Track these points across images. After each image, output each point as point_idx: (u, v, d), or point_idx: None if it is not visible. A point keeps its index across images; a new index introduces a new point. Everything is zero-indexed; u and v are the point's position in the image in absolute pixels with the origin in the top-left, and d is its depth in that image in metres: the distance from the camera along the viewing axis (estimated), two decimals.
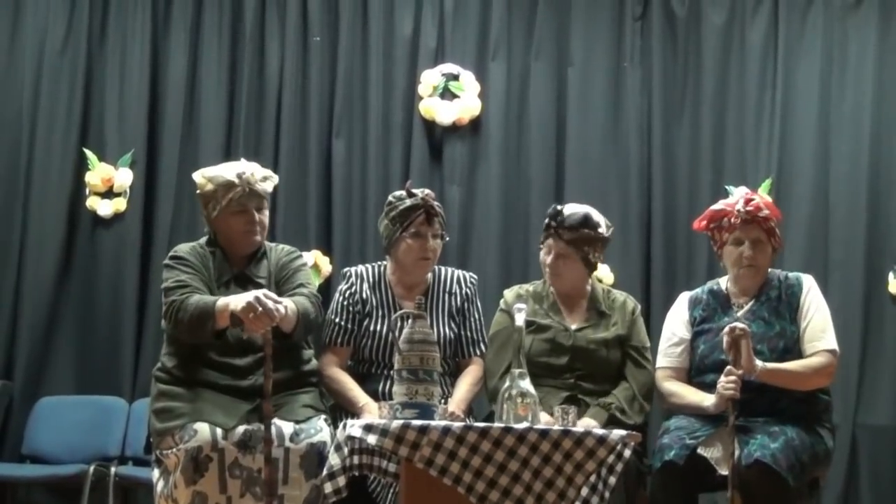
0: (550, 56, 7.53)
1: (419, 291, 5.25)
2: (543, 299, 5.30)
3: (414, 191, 5.20)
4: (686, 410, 5.11)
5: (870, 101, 7.39)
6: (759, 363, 4.83)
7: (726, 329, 4.85)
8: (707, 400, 4.96)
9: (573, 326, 5.22)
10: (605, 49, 7.55)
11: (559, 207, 5.25)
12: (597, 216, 5.24)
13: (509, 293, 5.41)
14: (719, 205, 5.24)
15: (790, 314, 5.08)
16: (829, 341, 5.04)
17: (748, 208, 5.09)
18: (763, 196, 5.23)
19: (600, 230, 5.20)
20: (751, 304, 5.14)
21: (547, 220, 5.22)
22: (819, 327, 5.05)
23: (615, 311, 5.31)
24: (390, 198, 5.26)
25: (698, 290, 5.35)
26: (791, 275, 5.23)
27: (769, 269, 5.21)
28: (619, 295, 5.45)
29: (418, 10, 7.52)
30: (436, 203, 5.20)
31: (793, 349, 5.01)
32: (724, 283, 5.28)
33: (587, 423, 4.88)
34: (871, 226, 7.30)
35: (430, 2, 7.51)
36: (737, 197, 5.21)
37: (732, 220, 5.11)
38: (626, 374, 5.21)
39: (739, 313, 5.10)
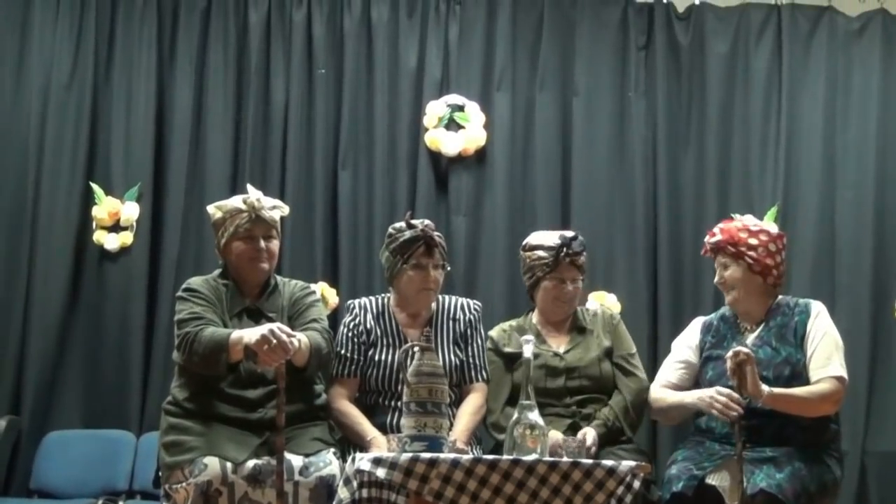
0: (555, 86, 7.54)
1: (423, 320, 5.27)
2: (527, 331, 5.34)
3: (413, 222, 5.23)
4: (670, 414, 5.24)
5: (874, 127, 7.41)
6: (765, 388, 4.82)
7: (730, 353, 4.85)
8: (688, 397, 5.05)
9: (561, 350, 5.33)
10: (609, 79, 7.56)
11: (568, 235, 5.31)
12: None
13: (495, 332, 5.52)
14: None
15: (797, 340, 5.07)
16: (836, 368, 5.01)
17: (706, 239, 5.28)
18: (732, 222, 5.30)
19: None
20: (759, 329, 5.16)
21: (563, 250, 5.29)
22: (825, 354, 5.02)
23: (596, 324, 5.42)
24: (390, 229, 5.30)
25: (712, 316, 5.41)
26: (801, 301, 5.24)
27: (780, 296, 5.22)
28: (597, 309, 5.64)
29: (423, 42, 7.54)
30: (436, 234, 5.24)
31: (799, 376, 5.00)
32: None
33: (587, 432, 4.99)
34: (877, 251, 7.31)
35: (435, 33, 7.53)
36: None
37: (704, 253, 5.34)
38: (618, 384, 5.31)
39: (748, 339, 5.11)
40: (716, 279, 5.25)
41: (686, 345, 5.33)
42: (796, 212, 7.33)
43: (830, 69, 7.50)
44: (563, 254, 5.31)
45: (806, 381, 5.00)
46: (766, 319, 5.17)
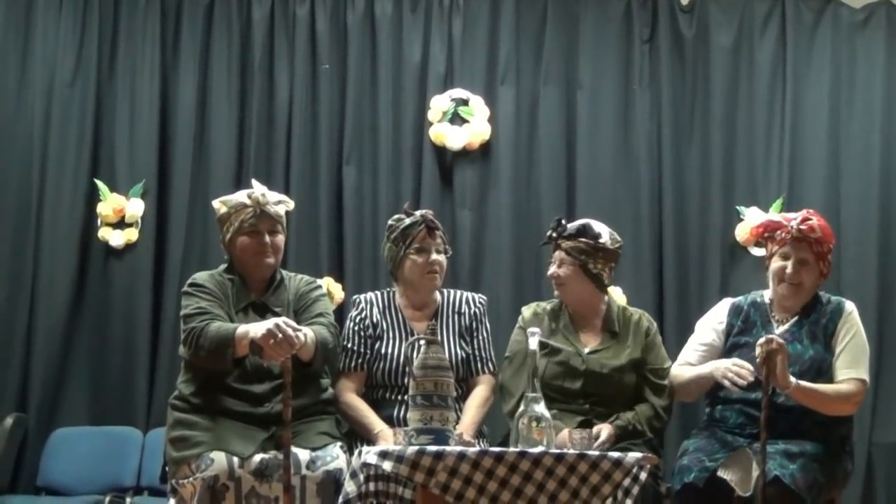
0: (559, 79, 7.54)
1: (429, 313, 5.27)
2: (560, 317, 5.31)
3: (412, 211, 5.24)
4: (688, 389, 5.19)
5: (879, 118, 7.41)
6: (793, 380, 4.80)
7: (762, 340, 4.78)
8: (704, 368, 5.02)
9: (586, 350, 5.22)
10: (613, 72, 7.57)
11: (562, 219, 5.30)
12: (599, 227, 5.29)
13: (527, 310, 5.43)
14: (777, 216, 5.27)
15: (826, 339, 5.04)
16: (861, 371, 4.99)
17: (802, 227, 5.06)
18: (821, 219, 5.14)
19: (601, 240, 5.24)
20: (791, 323, 5.09)
21: (549, 233, 5.27)
22: (852, 356, 5.00)
23: (630, 330, 5.30)
24: (390, 221, 5.32)
25: (742, 299, 5.31)
26: (833, 299, 5.18)
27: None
28: (635, 312, 5.45)
29: (427, 36, 7.54)
30: (435, 220, 5.24)
31: (825, 375, 4.97)
32: (767, 295, 5.24)
33: (602, 427, 4.94)
34: (883, 244, 7.31)
35: (439, 27, 7.54)
36: (798, 214, 5.16)
37: (784, 234, 5.10)
38: (646, 396, 5.21)
39: (778, 331, 5.05)
40: (788, 269, 5.05)
41: (711, 326, 5.25)
42: (801, 204, 7.24)
43: (835, 61, 7.50)
44: (548, 235, 5.31)
45: (830, 380, 4.97)
46: (800, 314, 5.12)
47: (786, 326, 5.10)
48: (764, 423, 4.69)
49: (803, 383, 4.84)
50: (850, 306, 5.15)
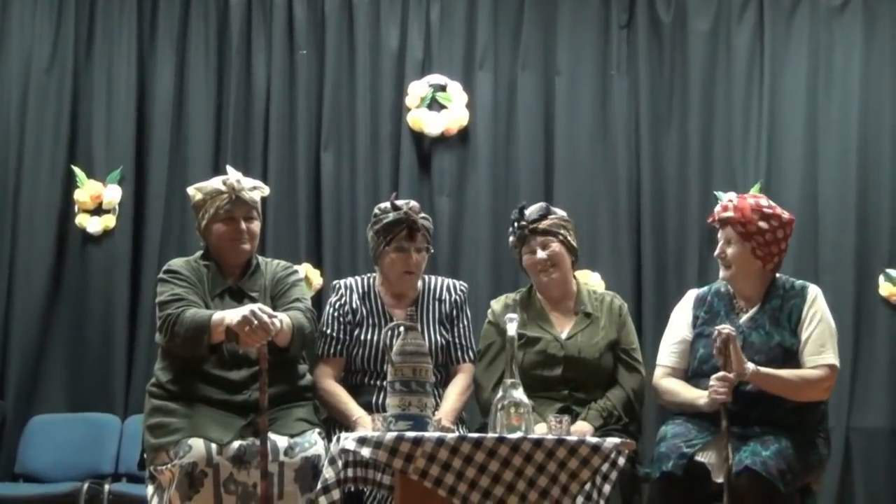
0: (537, 65, 7.54)
1: (409, 300, 5.26)
2: (530, 307, 5.31)
3: (399, 203, 5.21)
4: (680, 408, 5.12)
5: (857, 104, 7.41)
6: (750, 365, 4.80)
7: (715, 333, 4.85)
8: (702, 398, 4.95)
9: (563, 335, 5.23)
10: (591, 57, 7.56)
11: (519, 207, 5.35)
12: (551, 206, 5.39)
13: (496, 304, 5.42)
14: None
15: (791, 325, 5.01)
16: (828, 356, 4.96)
17: (717, 209, 5.14)
18: (747, 199, 5.12)
19: (563, 214, 5.35)
20: (754, 310, 5.08)
21: (514, 224, 5.31)
22: (819, 341, 4.97)
23: (602, 312, 5.33)
24: (376, 209, 5.28)
25: (706, 289, 5.31)
26: (797, 283, 5.15)
27: (777, 275, 5.15)
28: (606, 294, 5.49)
29: (404, 22, 7.53)
30: (419, 216, 5.20)
31: (791, 361, 4.96)
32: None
33: (581, 427, 4.93)
34: (861, 229, 7.31)
35: (417, 13, 7.52)
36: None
37: (712, 219, 5.18)
38: (619, 379, 5.23)
39: (742, 319, 5.06)
40: (716, 251, 5.12)
41: (680, 322, 5.24)
42: (779, 189, 7.32)
43: (812, 46, 7.49)
44: (517, 227, 5.31)
45: (798, 367, 4.96)
46: (762, 301, 5.10)
47: (749, 314, 5.09)
48: (725, 412, 4.75)
49: (763, 369, 4.84)
50: (813, 291, 5.11)
